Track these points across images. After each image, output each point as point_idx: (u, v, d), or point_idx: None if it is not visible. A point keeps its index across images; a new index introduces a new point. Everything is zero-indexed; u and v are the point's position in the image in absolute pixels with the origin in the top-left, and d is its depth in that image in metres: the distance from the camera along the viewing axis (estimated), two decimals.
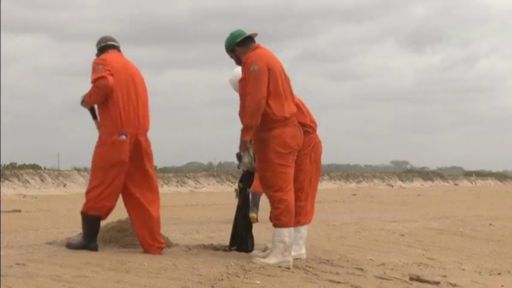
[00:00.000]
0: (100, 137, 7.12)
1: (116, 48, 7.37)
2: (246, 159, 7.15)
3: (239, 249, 7.53)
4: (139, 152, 7.11)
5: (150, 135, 7.28)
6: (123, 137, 7.02)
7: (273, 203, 7.00)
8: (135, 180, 7.15)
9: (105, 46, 7.33)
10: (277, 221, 6.98)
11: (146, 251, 7.10)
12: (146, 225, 7.12)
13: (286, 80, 7.18)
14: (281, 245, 6.94)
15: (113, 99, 7.07)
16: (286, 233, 6.97)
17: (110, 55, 7.23)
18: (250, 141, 7.09)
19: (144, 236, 7.12)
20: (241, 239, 7.58)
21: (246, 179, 7.66)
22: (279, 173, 6.97)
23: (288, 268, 6.90)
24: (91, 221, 7.08)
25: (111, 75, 7.05)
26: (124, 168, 7.04)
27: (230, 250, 7.53)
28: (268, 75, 6.97)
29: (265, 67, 6.97)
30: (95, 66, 7.12)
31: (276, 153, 6.97)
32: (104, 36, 7.40)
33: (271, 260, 6.92)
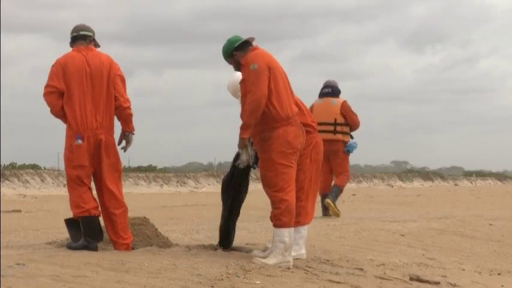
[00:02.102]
0: (65, 141, 7.20)
1: (88, 38, 7.28)
2: (243, 156, 7.17)
3: (222, 244, 7.48)
4: (99, 149, 7.15)
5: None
6: (79, 141, 7.09)
7: (274, 203, 7.00)
8: (97, 179, 7.21)
9: (76, 37, 7.29)
10: (277, 221, 6.99)
11: (114, 248, 7.16)
12: (109, 223, 7.18)
13: (287, 79, 7.19)
14: (281, 245, 6.94)
15: (69, 104, 7.10)
16: (287, 233, 6.97)
17: (68, 56, 7.19)
18: (249, 139, 7.10)
19: (109, 233, 7.20)
20: (227, 233, 7.54)
21: (239, 177, 7.58)
22: (281, 173, 6.96)
23: (288, 268, 6.91)
24: (84, 223, 7.09)
25: (54, 91, 7.08)
26: (84, 171, 7.10)
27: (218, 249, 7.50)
28: (269, 73, 6.97)
29: (265, 65, 6.97)
30: (50, 72, 7.16)
31: (279, 152, 6.97)
32: (76, 26, 7.31)
33: (271, 260, 6.92)
